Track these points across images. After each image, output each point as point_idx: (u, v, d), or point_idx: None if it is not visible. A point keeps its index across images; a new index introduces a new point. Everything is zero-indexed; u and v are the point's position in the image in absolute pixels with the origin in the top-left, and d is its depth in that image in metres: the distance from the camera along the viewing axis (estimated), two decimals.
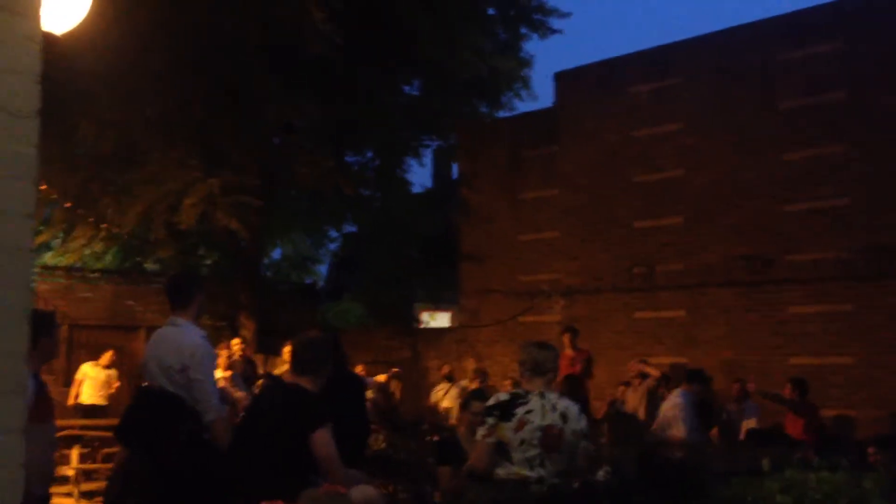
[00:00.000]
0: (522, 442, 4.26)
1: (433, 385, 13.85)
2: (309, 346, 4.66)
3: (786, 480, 3.88)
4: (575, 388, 8.91)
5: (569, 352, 11.74)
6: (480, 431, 4.38)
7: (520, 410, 4.32)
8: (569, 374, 9.98)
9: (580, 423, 4.40)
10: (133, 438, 4.86)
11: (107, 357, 12.77)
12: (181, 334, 4.81)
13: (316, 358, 4.56)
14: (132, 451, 4.83)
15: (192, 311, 4.94)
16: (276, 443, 4.25)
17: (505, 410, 4.34)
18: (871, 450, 6.54)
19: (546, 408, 4.33)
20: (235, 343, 10.19)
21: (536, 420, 4.28)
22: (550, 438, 4.25)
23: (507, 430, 4.29)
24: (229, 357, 9.59)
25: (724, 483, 3.96)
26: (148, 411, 4.73)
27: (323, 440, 4.17)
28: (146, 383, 4.94)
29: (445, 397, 12.75)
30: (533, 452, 4.24)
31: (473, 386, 10.32)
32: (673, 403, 8.44)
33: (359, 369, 11.01)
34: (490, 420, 4.36)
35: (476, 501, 3.59)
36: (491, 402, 4.56)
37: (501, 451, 4.30)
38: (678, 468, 4.08)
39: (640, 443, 5.18)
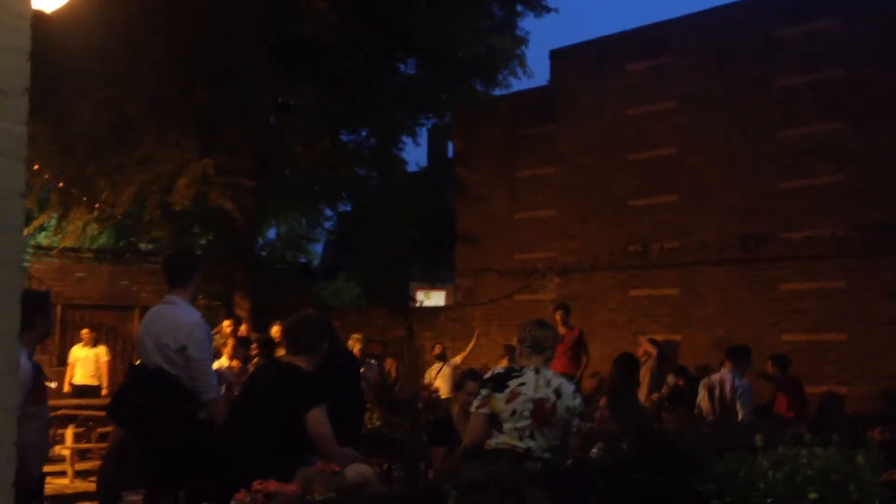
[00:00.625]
0: (514, 413, 4.35)
1: (428, 364, 13.89)
2: (303, 325, 4.66)
3: (777, 456, 3.90)
4: (632, 367, 8.83)
5: (560, 329, 11.82)
6: (475, 403, 4.49)
7: (513, 382, 4.42)
8: (626, 352, 9.79)
9: (574, 401, 4.47)
10: (127, 417, 4.87)
11: (86, 335, 12.65)
12: (178, 313, 4.80)
13: (310, 337, 4.56)
14: (126, 430, 4.84)
15: (189, 290, 4.93)
16: (270, 422, 4.25)
17: (498, 382, 4.45)
18: (878, 429, 6.52)
19: (540, 382, 4.42)
20: (227, 325, 10.06)
21: (529, 392, 4.37)
22: (542, 412, 4.33)
23: (499, 400, 4.38)
24: (235, 347, 9.46)
25: (718, 459, 3.98)
26: (142, 390, 4.72)
27: (317, 419, 4.18)
28: (139, 361, 4.94)
29: (438, 376, 12.80)
30: (523, 423, 4.32)
31: (503, 363, 10.35)
32: (732, 386, 8.27)
33: (355, 349, 11.01)
34: (484, 391, 4.47)
35: (470, 478, 3.61)
36: (487, 375, 4.63)
37: (493, 421, 4.39)
38: (673, 445, 4.10)
39: (639, 420, 5.22)
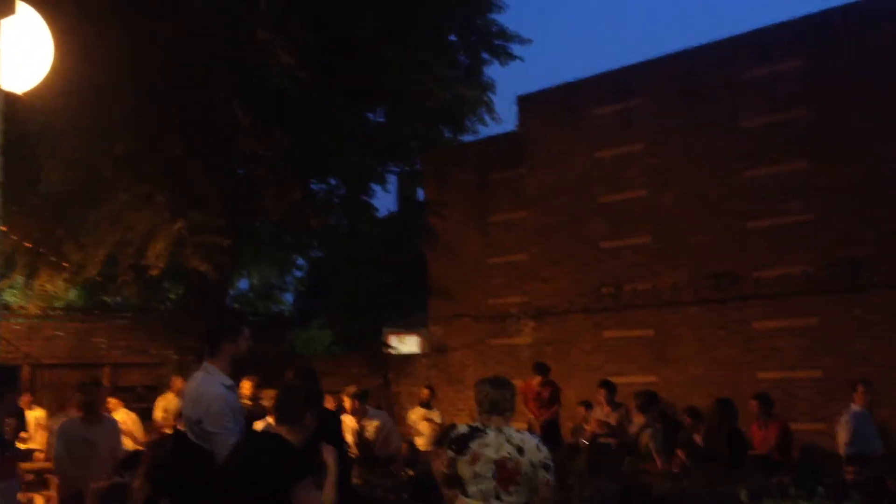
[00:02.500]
0: (476, 475, 4.39)
1: (405, 411, 13.74)
2: (286, 393, 4.55)
3: None
4: (729, 410, 8.84)
5: (537, 387, 11.99)
6: (438, 463, 4.51)
7: (474, 444, 4.45)
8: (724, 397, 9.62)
9: (539, 454, 4.46)
10: (165, 480, 4.87)
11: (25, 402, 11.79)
12: (203, 384, 4.74)
13: (290, 408, 4.44)
14: (162, 492, 4.84)
15: (221, 359, 4.81)
16: (253, 495, 4.15)
17: (461, 444, 4.48)
18: (849, 468, 6.55)
19: (502, 441, 4.44)
20: (246, 387, 9.30)
21: (490, 453, 4.41)
22: (505, 471, 4.36)
23: (462, 463, 4.44)
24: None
25: None
26: (176, 457, 4.72)
27: (304, 494, 4.06)
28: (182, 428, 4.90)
29: (421, 423, 12.60)
30: (487, 485, 4.36)
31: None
32: (843, 419, 8.51)
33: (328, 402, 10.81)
34: (450, 453, 4.51)
35: None
36: (452, 434, 4.65)
37: (458, 484, 4.45)
38: (659, 502, 4.07)
39: (620, 475, 5.14)
